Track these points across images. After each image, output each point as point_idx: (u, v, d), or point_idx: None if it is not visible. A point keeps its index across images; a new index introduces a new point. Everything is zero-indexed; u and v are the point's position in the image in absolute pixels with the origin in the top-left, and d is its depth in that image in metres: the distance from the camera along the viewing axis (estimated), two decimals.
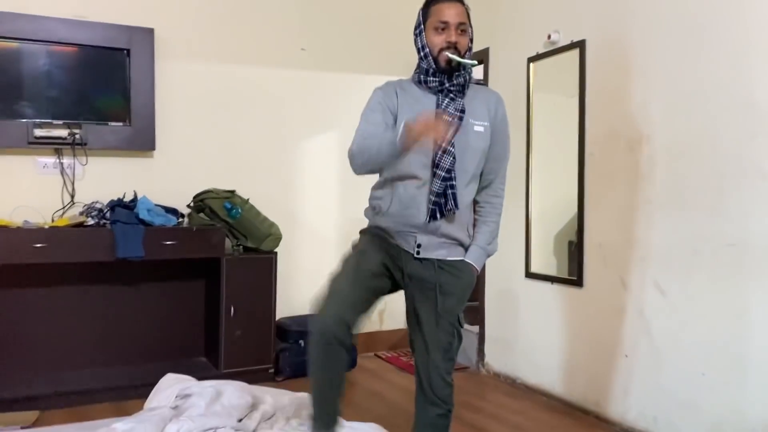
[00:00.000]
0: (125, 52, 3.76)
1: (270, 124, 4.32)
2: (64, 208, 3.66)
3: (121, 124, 3.77)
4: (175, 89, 3.99)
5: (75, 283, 3.71)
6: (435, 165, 2.01)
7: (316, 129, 4.40)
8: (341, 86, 4.44)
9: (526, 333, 3.81)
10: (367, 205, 2.25)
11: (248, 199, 3.95)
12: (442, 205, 2.02)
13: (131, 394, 3.40)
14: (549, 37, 3.53)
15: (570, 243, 3.53)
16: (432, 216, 2.03)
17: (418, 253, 2.08)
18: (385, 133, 1.97)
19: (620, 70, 3.13)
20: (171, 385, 2.81)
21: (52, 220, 3.57)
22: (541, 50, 3.64)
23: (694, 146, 2.75)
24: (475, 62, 1.96)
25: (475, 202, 2.18)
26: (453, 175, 2.01)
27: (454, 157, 2.00)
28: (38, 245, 3.25)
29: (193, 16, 4.07)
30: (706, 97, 2.70)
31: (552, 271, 3.64)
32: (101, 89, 3.76)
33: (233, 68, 4.20)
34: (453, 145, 2.00)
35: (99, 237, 3.41)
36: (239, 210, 3.81)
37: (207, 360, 4.00)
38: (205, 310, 4.06)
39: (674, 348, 2.84)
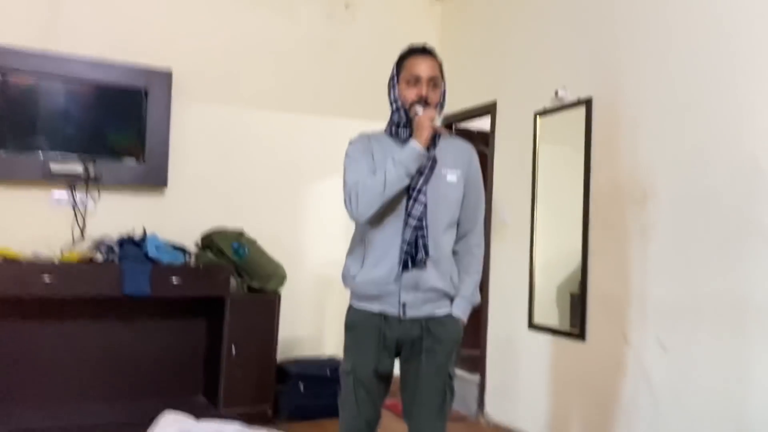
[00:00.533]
0: (143, 92, 3.87)
1: (281, 166, 4.40)
2: (74, 242, 3.71)
3: (134, 160, 3.85)
4: (190, 129, 4.08)
5: (79, 317, 3.73)
6: (407, 214, 2.04)
7: (326, 173, 4.48)
8: (352, 132, 4.52)
9: (527, 384, 3.80)
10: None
11: (256, 240, 3.99)
12: (413, 254, 2.03)
13: (129, 431, 3.38)
14: (556, 93, 3.61)
15: (572, 295, 3.55)
16: (404, 265, 2.03)
17: (404, 313, 2.07)
18: (397, 156, 2.01)
19: (626, 127, 3.20)
20: (170, 425, 2.81)
21: (62, 254, 3.61)
22: (549, 105, 3.73)
23: (698, 204, 2.80)
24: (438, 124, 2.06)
25: (454, 253, 2.18)
26: (424, 223, 2.03)
27: (424, 206, 2.03)
28: (46, 279, 3.29)
29: (211, 59, 4.19)
30: (710, 156, 2.76)
31: (554, 323, 3.65)
32: (117, 127, 3.86)
33: (247, 111, 4.31)
34: (424, 194, 2.04)
35: (107, 273, 3.45)
36: (246, 250, 3.85)
37: (206, 399, 3.98)
38: (206, 349, 4.06)
39: (675, 404, 2.83)
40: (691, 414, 2.76)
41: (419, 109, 2.04)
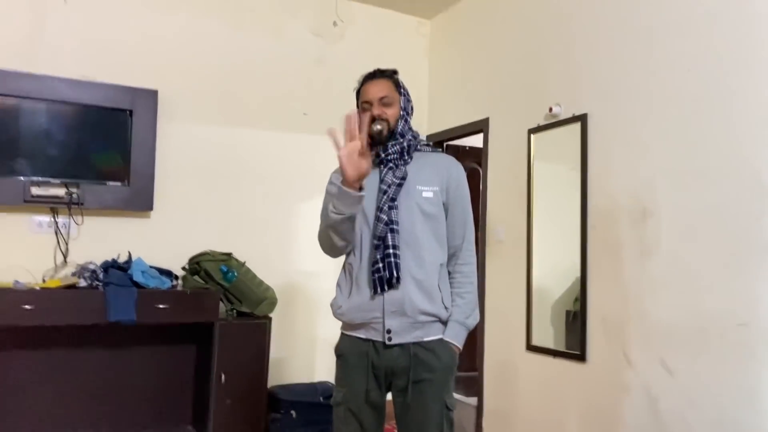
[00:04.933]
0: (128, 112, 3.77)
1: (270, 186, 4.30)
2: (56, 268, 3.58)
3: (119, 183, 3.74)
4: (176, 150, 3.99)
5: (63, 346, 3.60)
6: (372, 235, 2.00)
7: (315, 193, 4.36)
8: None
9: (526, 407, 3.70)
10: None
11: (245, 262, 3.89)
12: (382, 277, 1.95)
13: None
14: (550, 109, 3.55)
15: (568, 313, 3.46)
16: (374, 289, 1.97)
17: (389, 339, 1.98)
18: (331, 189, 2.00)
19: (623, 145, 3.13)
20: None
21: (44, 281, 3.49)
22: (542, 122, 3.67)
23: (700, 223, 2.73)
24: (380, 128, 2.01)
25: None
26: (389, 243, 1.96)
27: (385, 224, 1.97)
28: (27, 307, 3.16)
29: (197, 78, 4.10)
30: (712, 175, 2.69)
31: (551, 343, 3.55)
32: (101, 148, 3.75)
33: (235, 130, 4.22)
34: (386, 213, 1.98)
35: (90, 299, 3.32)
36: (235, 273, 3.74)
37: (194, 429, 3.84)
38: (194, 377, 3.93)
39: (682, 429, 2.74)
40: None
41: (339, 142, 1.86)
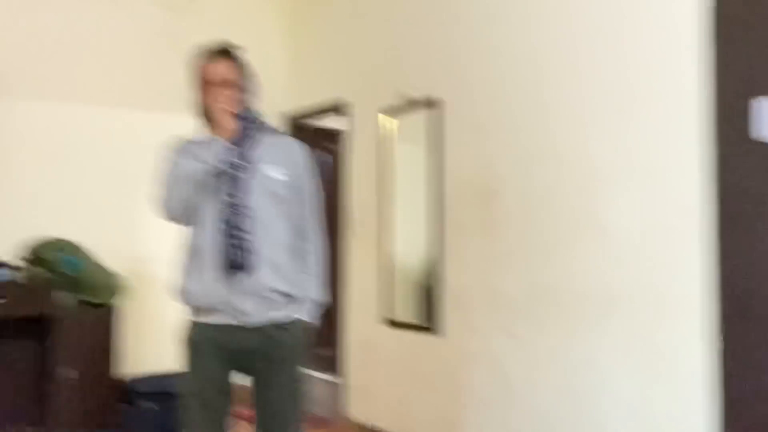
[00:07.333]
0: None
1: (117, 168, 4.05)
2: None
3: None
4: (13, 130, 3.64)
5: None
6: (221, 216, 1.99)
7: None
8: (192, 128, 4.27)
9: (387, 381, 3.81)
10: None
11: (88, 250, 3.65)
12: (233, 259, 1.96)
13: None
14: (407, 93, 3.61)
15: (427, 290, 3.60)
16: (224, 271, 1.96)
17: (242, 321, 1.99)
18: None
19: (471, 129, 3.30)
20: None
21: None
22: (400, 105, 3.72)
23: (539, 201, 2.93)
24: None
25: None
26: (238, 224, 1.96)
27: (234, 206, 1.97)
28: None
29: (39, 55, 3.82)
30: (550, 156, 2.90)
31: (411, 319, 3.68)
32: None
33: (79, 108, 3.93)
34: (234, 195, 1.98)
35: None
36: (78, 262, 3.51)
37: (37, 429, 3.58)
38: (35, 373, 3.64)
39: (528, 392, 2.96)
40: (543, 401, 2.89)
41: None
